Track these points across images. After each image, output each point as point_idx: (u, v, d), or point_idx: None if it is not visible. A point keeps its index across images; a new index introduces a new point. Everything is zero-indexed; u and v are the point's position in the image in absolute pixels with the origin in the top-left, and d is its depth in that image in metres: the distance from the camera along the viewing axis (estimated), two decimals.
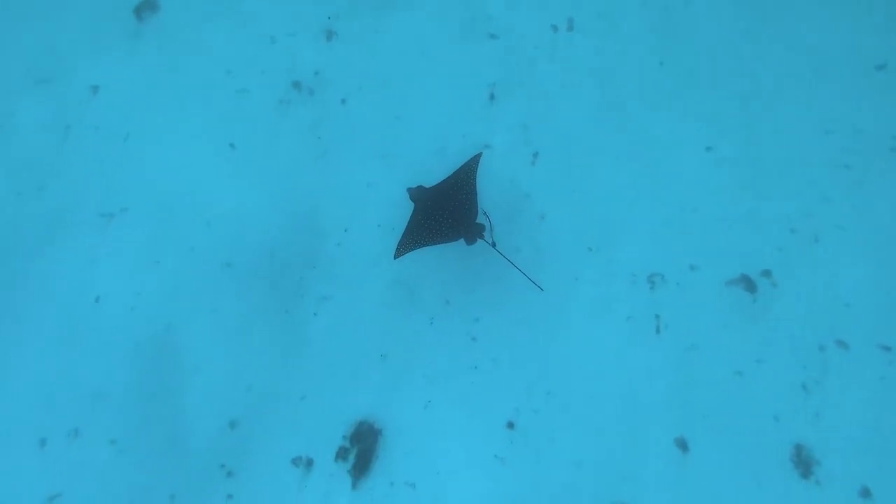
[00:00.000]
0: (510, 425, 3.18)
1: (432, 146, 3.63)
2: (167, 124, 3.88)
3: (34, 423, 3.41)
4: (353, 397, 3.27)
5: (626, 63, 3.69)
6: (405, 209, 3.38)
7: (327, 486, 3.15)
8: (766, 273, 3.29)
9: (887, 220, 3.33)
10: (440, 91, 3.74)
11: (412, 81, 3.79)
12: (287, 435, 3.25)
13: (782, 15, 3.72)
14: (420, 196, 3.31)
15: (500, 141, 3.61)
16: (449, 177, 3.30)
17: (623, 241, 3.40)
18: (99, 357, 3.49)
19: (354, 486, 3.14)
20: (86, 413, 3.41)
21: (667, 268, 3.34)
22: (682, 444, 3.09)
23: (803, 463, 3.02)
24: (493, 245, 3.20)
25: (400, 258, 3.20)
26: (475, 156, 3.27)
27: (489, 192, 3.49)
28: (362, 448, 3.17)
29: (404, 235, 3.21)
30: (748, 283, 3.28)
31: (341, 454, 3.19)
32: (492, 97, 3.69)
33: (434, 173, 3.40)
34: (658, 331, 3.25)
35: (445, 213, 3.17)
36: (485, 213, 3.23)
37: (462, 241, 3.15)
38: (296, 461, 3.21)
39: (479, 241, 3.14)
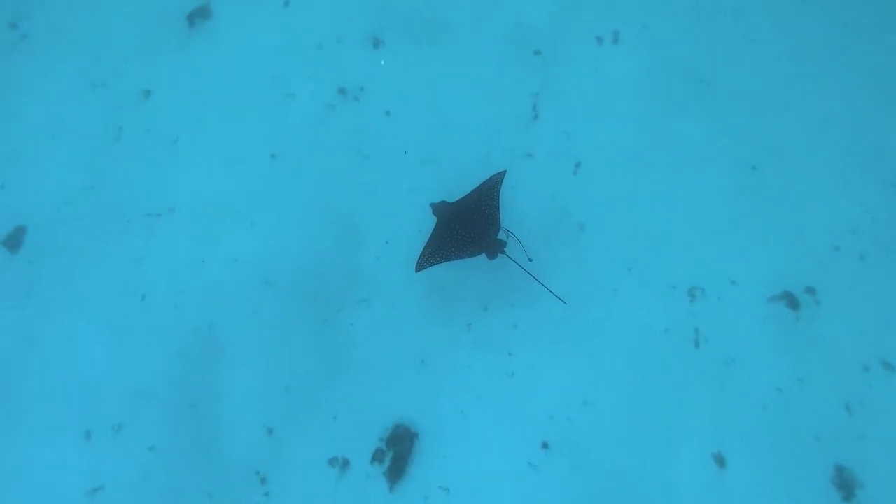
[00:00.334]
0: (544, 434, 3.18)
1: (475, 154, 3.66)
2: (215, 128, 3.98)
3: (81, 416, 3.51)
4: (391, 401, 3.31)
5: (671, 77, 3.69)
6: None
7: (363, 487, 3.18)
8: (810, 290, 3.25)
9: None
10: (484, 100, 3.77)
11: (456, 89, 3.83)
12: (324, 436, 3.30)
13: (832, 38, 3.67)
14: (443, 211, 3.35)
15: (542, 150, 3.63)
16: (472, 192, 3.33)
17: (663, 253, 3.39)
18: (144, 354, 3.58)
19: (391, 489, 3.17)
20: (130, 409, 3.50)
21: (707, 281, 3.32)
22: (720, 460, 3.06)
23: (845, 485, 2.96)
24: (529, 260, 3.22)
25: (424, 270, 3.23)
26: (499, 173, 3.30)
27: (529, 201, 3.51)
28: (398, 451, 3.20)
29: (426, 249, 3.25)
30: (791, 300, 3.24)
31: (377, 456, 3.22)
32: (535, 107, 3.71)
33: (475, 180, 3.42)
34: (697, 344, 3.23)
35: (468, 227, 3.20)
36: (506, 230, 3.24)
37: (483, 256, 3.18)
38: (332, 461, 3.25)
39: (501, 255, 3.17)
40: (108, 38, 4.30)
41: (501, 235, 3.22)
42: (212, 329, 3.56)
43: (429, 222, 3.44)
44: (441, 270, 3.29)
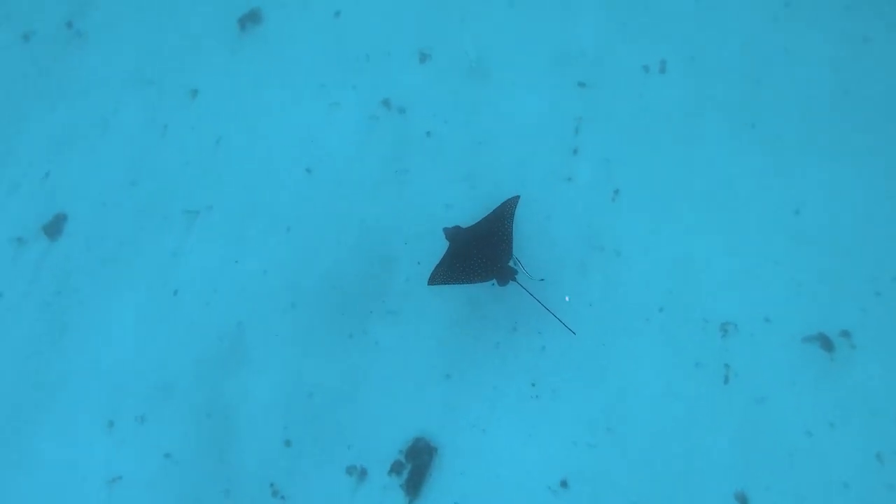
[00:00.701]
0: (565, 459, 3.14)
1: (514, 174, 3.66)
2: (258, 131, 4.05)
3: (105, 404, 3.56)
4: (412, 413, 3.30)
5: (716, 111, 3.65)
6: None
7: (380, 498, 3.17)
8: (846, 333, 3.19)
9: None
10: (527, 119, 3.78)
11: (500, 107, 3.84)
12: (343, 444, 3.30)
13: (884, 86, 3.60)
14: (456, 236, 3.35)
15: (581, 174, 3.62)
16: (485, 218, 3.33)
17: (698, 286, 3.35)
18: (171, 349, 3.63)
19: (409, 503, 3.15)
20: (153, 401, 3.54)
21: (741, 317, 3.27)
22: (743, 499, 3.00)
23: None
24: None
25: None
26: (512, 198, 3.30)
27: (566, 225, 3.50)
28: (417, 464, 3.19)
29: (437, 268, 3.25)
30: (825, 342, 3.19)
31: (396, 468, 3.21)
32: (577, 131, 3.71)
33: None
34: (727, 380, 3.18)
35: (480, 253, 3.20)
36: (516, 258, 3.22)
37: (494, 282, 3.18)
38: (350, 470, 3.25)
39: (512, 282, 3.15)
40: (160, 38, 4.42)
41: (511, 263, 3.20)
42: (240, 329, 3.59)
43: None
44: (472, 287, 3.29)
